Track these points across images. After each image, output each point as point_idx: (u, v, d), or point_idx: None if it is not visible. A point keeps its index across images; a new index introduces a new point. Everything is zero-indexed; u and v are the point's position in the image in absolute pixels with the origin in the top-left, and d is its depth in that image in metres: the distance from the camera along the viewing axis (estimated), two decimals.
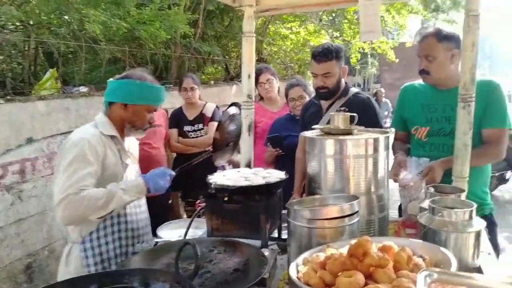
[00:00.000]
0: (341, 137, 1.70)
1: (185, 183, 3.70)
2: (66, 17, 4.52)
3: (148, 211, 2.09)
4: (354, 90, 2.52)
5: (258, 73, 3.64)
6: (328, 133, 1.83)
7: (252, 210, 1.70)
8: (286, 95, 3.22)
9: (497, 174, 6.43)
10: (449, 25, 8.86)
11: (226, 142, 2.04)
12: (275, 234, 1.92)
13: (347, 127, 1.82)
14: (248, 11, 2.24)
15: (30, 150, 3.27)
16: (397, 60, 11.77)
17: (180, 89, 3.86)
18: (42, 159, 3.37)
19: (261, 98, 3.58)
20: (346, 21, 9.69)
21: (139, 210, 2.00)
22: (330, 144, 1.71)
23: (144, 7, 4.93)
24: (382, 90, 12.64)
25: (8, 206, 3.12)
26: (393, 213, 2.24)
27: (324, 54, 2.33)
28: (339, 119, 1.83)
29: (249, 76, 2.29)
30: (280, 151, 3.06)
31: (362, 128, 1.87)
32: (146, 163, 3.10)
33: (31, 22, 4.39)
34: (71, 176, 1.68)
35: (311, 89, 3.28)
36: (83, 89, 4.12)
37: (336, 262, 1.13)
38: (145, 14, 4.83)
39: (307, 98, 3.06)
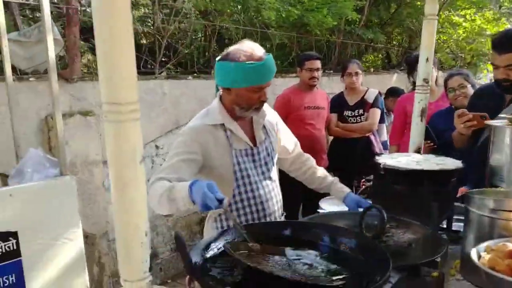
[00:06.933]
0: None
1: (342, 164, 3.78)
2: (241, 5, 4.98)
3: (281, 193, 1.96)
4: None
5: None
6: None
7: (423, 196, 1.68)
8: (445, 86, 3.03)
9: None
10: None
11: None
12: (444, 225, 1.86)
13: None
14: None
15: None
16: None
17: (343, 74, 3.90)
18: None
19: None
20: None
21: (267, 191, 1.84)
22: None
23: None
24: None
25: None
26: None
27: (508, 44, 2.03)
28: None
29: (427, 60, 2.21)
30: (432, 144, 2.88)
31: None
32: (308, 143, 3.26)
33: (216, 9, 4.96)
34: (166, 164, 1.68)
35: (474, 80, 2.99)
36: None
37: None
38: (314, 1, 5.00)
39: (469, 88, 2.83)
